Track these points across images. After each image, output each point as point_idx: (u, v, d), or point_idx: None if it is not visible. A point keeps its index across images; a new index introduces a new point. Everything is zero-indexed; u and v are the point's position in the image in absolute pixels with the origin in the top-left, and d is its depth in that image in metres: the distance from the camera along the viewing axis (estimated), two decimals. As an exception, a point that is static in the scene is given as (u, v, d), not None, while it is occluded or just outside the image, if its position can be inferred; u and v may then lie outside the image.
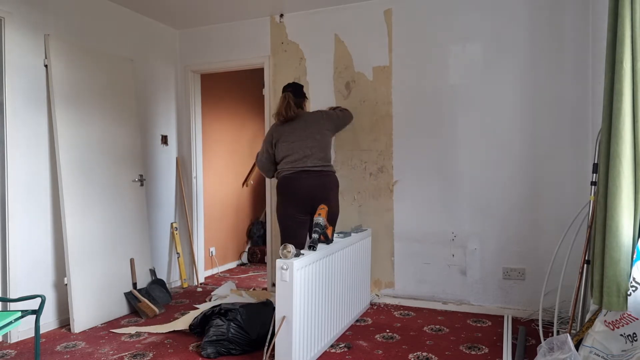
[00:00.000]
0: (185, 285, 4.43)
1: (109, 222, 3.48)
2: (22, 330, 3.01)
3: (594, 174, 2.56)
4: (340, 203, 3.81)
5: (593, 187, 2.60)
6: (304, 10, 3.97)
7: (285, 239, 3.24)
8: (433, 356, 2.69)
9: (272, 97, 4.13)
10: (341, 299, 3.01)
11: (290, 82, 3.41)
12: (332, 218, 3.18)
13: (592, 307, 2.29)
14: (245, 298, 3.79)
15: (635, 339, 2.00)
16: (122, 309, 3.52)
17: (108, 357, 2.74)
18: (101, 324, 3.32)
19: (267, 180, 4.14)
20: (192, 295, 4.13)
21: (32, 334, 3.05)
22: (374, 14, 3.76)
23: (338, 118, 3.40)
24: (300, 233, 3.23)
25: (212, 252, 4.99)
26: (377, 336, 3.02)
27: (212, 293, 4.04)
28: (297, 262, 2.37)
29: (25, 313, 2.21)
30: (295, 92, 3.30)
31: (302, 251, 2.54)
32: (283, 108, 3.22)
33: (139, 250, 3.75)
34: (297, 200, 3.14)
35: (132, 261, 3.67)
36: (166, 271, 4.33)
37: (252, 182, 5.68)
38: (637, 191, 2.04)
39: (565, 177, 3.27)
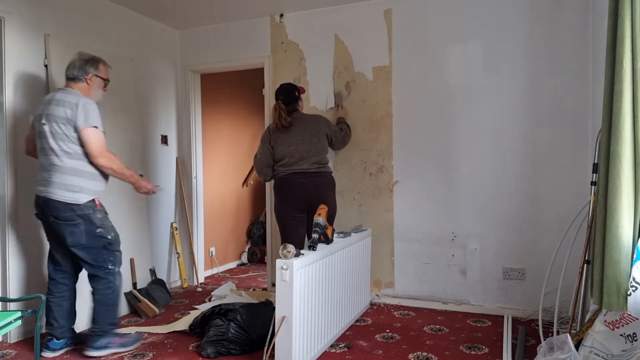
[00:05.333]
0: (185, 285, 4.43)
1: (109, 222, 3.48)
2: (22, 330, 3.01)
3: (594, 174, 2.56)
4: (340, 203, 3.82)
5: (593, 187, 2.60)
6: (304, 10, 3.97)
7: (284, 237, 3.28)
8: (433, 356, 2.69)
9: (272, 97, 4.12)
10: (341, 299, 3.01)
11: (282, 86, 3.38)
12: (330, 216, 3.22)
13: (592, 307, 2.29)
14: (245, 298, 3.79)
15: (635, 339, 2.00)
16: (122, 308, 3.52)
17: (108, 357, 2.74)
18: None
19: (267, 180, 4.14)
20: (192, 295, 4.13)
21: (32, 334, 3.05)
22: (374, 14, 3.76)
23: (336, 132, 3.42)
24: (299, 231, 3.28)
25: (212, 252, 4.98)
26: (377, 336, 3.02)
27: (212, 293, 4.04)
28: (297, 262, 2.37)
29: (25, 313, 2.20)
30: (286, 100, 3.31)
31: (302, 251, 2.54)
32: (277, 119, 3.26)
33: (139, 250, 3.75)
34: (293, 200, 3.22)
35: (132, 261, 3.67)
36: (166, 271, 4.33)
37: (252, 182, 5.67)
38: (637, 191, 2.04)
39: (565, 177, 3.27)
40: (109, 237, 2.76)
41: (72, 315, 2.87)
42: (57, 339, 2.78)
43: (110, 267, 2.76)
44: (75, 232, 2.63)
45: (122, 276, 2.88)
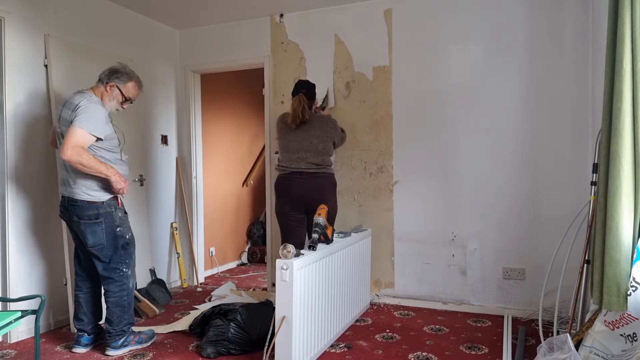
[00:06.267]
0: (185, 285, 4.43)
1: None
2: (22, 330, 3.01)
3: (594, 174, 2.56)
4: (340, 203, 3.82)
5: (593, 187, 2.60)
6: (304, 10, 3.97)
7: (284, 237, 3.29)
8: (433, 356, 2.69)
9: (272, 97, 4.13)
10: (341, 299, 3.01)
11: (303, 81, 3.34)
12: (330, 216, 3.21)
13: (592, 307, 2.29)
14: (245, 298, 3.79)
15: (635, 339, 2.00)
16: (122, 309, 3.52)
17: (108, 357, 2.74)
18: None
19: (267, 180, 4.14)
20: (192, 295, 4.13)
21: (32, 334, 3.05)
22: (374, 14, 3.76)
23: (340, 134, 3.41)
24: (299, 231, 3.28)
25: (212, 252, 4.98)
26: (377, 336, 3.02)
27: (212, 293, 4.04)
28: (297, 262, 2.37)
29: (25, 313, 2.20)
30: (308, 94, 3.26)
31: (302, 251, 2.54)
32: (300, 111, 3.15)
33: (139, 250, 3.73)
34: (291, 200, 3.21)
35: (132, 261, 3.67)
36: (166, 271, 4.33)
37: (252, 182, 5.68)
38: (637, 191, 2.04)
39: (565, 177, 3.27)
40: (127, 236, 2.82)
41: (100, 310, 2.92)
42: (89, 334, 2.84)
43: (124, 269, 2.79)
44: (97, 231, 2.67)
45: (134, 278, 2.92)
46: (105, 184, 2.68)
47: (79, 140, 2.51)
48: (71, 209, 2.66)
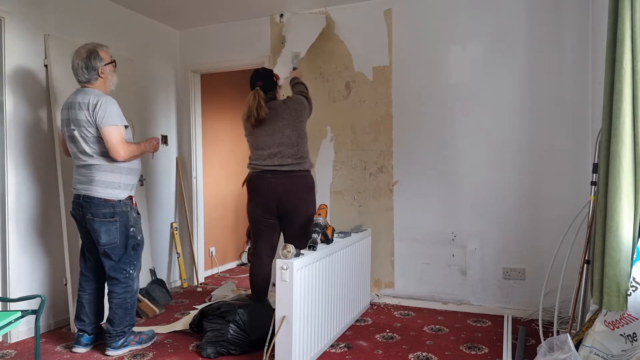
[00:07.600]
0: (185, 285, 4.43)
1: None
2: (22, 330, 3.01)
3: (594, 174, 2.56)
4: (340, 203, 3.82)
5: (593, 187, 2.60)
6: (304, 10, 3.97)
7: (254, 243, 3.16)
8: (433, 356, 2.69)
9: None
10: (341, 299, 3.01)
11: (258, 71, 3.10)
12: (309, 221, 2.92)
13: (592, 307, 2.30)
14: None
15: (635, 339, 2.00)
16: (122, 309, 3.52)
17: (108, 357, 2.74)
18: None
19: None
20: (192, 295, 4.13)
21: (32, 334, 3.05)
22: (374, 14, 3.76)
23: (309, 105, 3.14)
24: (269, 237, 3.08)
25: (212, 252, 4.98)
26: (377, 336, 3.02)
27: (212, 293, 4.04)
28: (297, 262, 2.37)
29: (25, 313, 2.21)
30: (265, 86, 3.00)
31: (302, 251, 2.54)
32: (255, 109, 2.91)
33: (139, 250, 3.75)
34: (263, 202, 3.01)
35: (132, 261, 3.67)
36: (166, 271, 4.33)
37: (252, 182, 5.67)
38: (637, 191, 2.04)
39: (565, 177, 3.27)
40: (139, 237, 2.84)
41: (101, 311, 2.92)
42: (89, 334, 2.85)
43: (131, 271, 2.80)
44: (111, 230, 2.68)
45: (139, 280, 2.92)
46: (124, 181, 2.72)
47: (120, 136, 2.63)
48: (86, 206, 2.67)
